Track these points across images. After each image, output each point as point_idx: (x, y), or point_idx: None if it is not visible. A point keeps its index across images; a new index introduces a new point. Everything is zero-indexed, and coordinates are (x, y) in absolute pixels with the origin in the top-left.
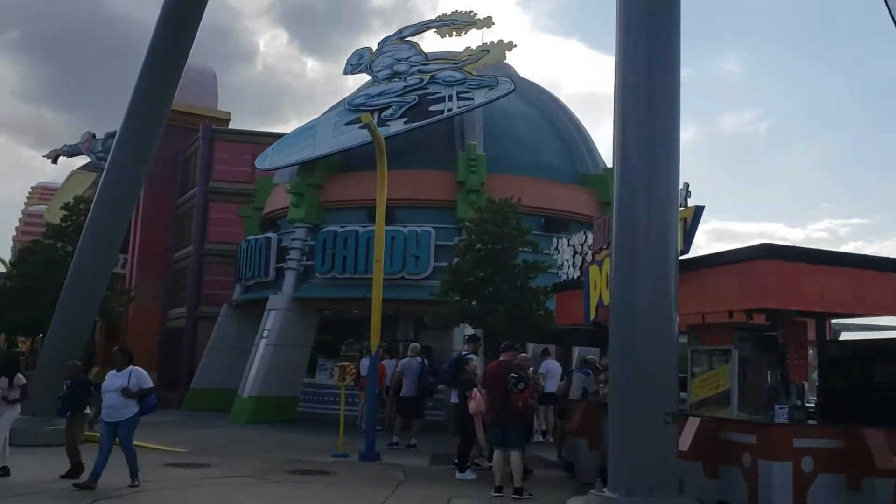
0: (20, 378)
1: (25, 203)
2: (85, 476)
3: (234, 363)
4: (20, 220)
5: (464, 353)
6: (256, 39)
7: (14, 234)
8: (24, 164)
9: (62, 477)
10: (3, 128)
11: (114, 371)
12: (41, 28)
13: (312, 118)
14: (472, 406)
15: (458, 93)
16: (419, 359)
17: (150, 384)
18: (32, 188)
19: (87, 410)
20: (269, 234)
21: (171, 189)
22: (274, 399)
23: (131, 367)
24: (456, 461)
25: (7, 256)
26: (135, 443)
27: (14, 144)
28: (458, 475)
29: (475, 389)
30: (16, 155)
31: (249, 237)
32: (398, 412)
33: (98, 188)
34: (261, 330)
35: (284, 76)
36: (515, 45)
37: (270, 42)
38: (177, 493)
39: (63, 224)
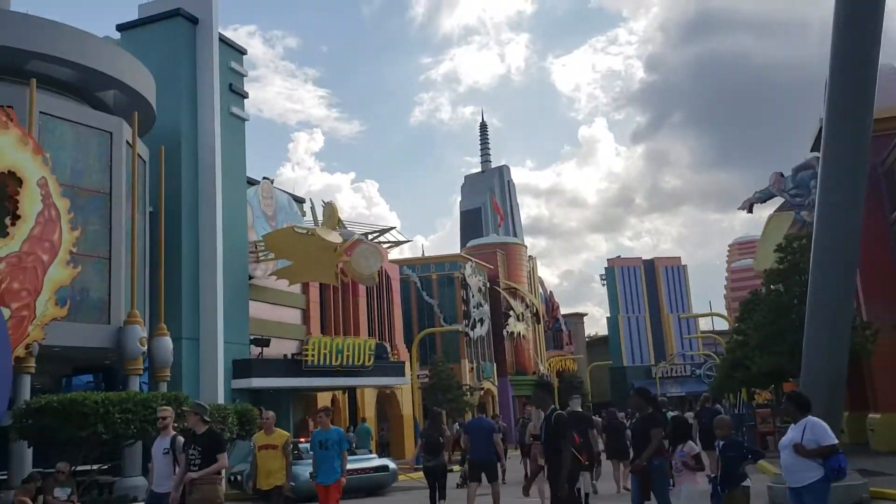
0: (692, 447)
1: (727, 261)
2: None
3: None
4: (726, 278)
5: None
6: None
7: (724, 292)
8: (713, 226)
9: None
10: (687, 200)
11: (793, 425)
12: (698, 103)
13: None
14: None
15: None
16: None
17: (833, 440)
18: (729, 246)
19: (747, 482)
20: None
21: (880, 206)
22: None
23: (808, 417)
24: None
25: (723, 313)
26: None
27: (700, 213)
28: None
29: None
30: (704, 221)
31: None
32: None
33: (815, 219)
34: None
35: None
36: None
37: None
38: None
39: (780, 266)
